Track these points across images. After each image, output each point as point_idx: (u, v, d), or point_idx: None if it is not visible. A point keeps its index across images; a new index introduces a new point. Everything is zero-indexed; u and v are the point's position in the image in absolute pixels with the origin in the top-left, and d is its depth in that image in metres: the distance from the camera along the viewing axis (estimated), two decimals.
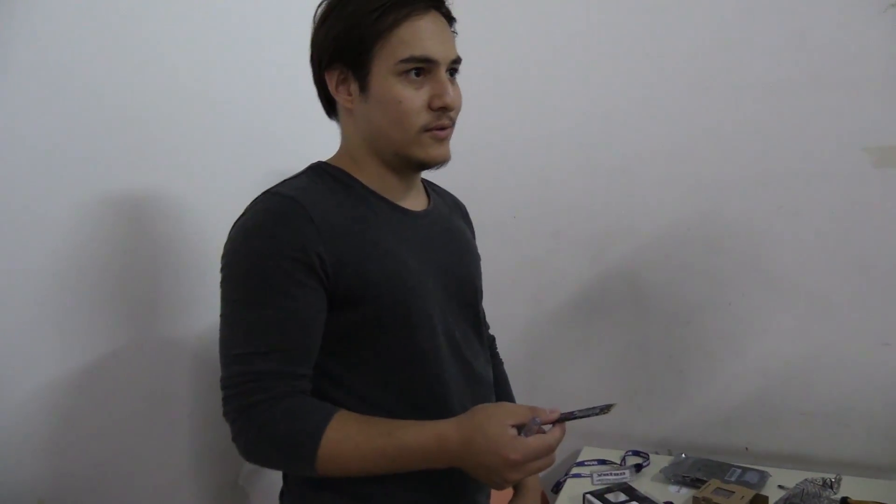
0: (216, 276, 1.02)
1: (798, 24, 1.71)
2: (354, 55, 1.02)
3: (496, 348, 1.41)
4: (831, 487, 1.59)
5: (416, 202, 1.14)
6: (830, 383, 1.78)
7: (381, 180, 1.09)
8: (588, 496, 1.64)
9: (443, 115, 1.04)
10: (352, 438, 0.94)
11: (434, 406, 1.05)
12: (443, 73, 1.03)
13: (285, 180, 1.07)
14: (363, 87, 1.04)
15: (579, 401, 1.60)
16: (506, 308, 1.89)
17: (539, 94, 1.96)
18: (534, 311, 2.03)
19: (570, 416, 0.95)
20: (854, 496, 1.56)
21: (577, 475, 1.82)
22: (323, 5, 1.07)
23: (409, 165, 1.08)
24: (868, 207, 1.70)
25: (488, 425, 0.92)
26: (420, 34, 1.01)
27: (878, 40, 1.65)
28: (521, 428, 0.93)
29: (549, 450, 0.92)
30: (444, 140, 1.06)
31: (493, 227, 1.95)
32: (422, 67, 1.02)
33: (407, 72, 1.01)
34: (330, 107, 1.13)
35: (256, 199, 1.03)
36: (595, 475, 1.79)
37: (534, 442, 0.91)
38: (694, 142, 1.82)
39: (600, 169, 1.92)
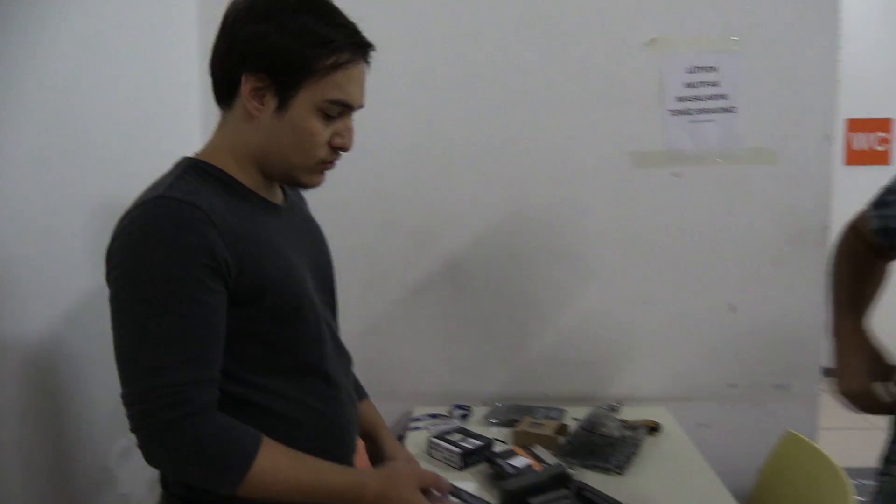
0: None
1: (579, 52, 2.16)
2: (285, 75, 1.05)
3: None
4: (614, 410, 2.06)
5: (277, 197, 1.21)
6: (605, 335, 2.27)
7: (256, 180, 1.14)
8: (432, 439, 1.95)
9: (337, 153, 1.13)
10: (281, 471, 1.02)
11: (320, 382, 1.17)
12: (351, 118, 1.13)
13: (169, 182, 1.04)
14: (282, 106, 1.06)
15: (409, 370, 1.91)
16: (342, 291, 2.13)
17: (375, 94, 2.22)
18: (366, 292, 2.30)
19: (457, 494, 1.25)
20: (630, 418, 2.04)
21: (416, 428, 2.12)
22: (263, 2, 1.06)
23: (288, 182, 1.17)
24: (632, 196, 2.21)
25: (403, 486, 1.09)
26: (352, 82, 1.09)
27: (638, 68, 2.15)
28: (425, 491, 1.12)
29: None
30: (323, 172, 1.15)
31: (329, 216, 2.18)
32: (339, 112, 1.10)
33: (326, 112, 1.08)
34: (226, 99, 1.11)
35: (146, 202, 1.01)
36: (431, 426, 2.10)
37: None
38: (505, 146, 2.20)
39: (426, 165, 2.24)
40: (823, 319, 2.21)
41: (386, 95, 2.18)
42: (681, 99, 2.16)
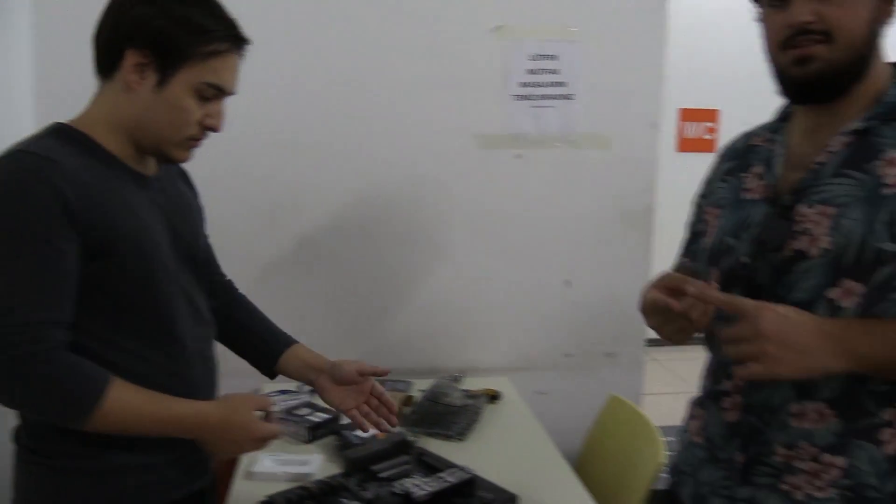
0: None
1: (428, 36, 2.22)
2: (168, 55, 1.13)
3: (236, 288, 1.60)
4: (457, 380, 2.16)
5: (148, 168, 1.26)
6: (449, 310, 2.37)
7: (125, 150, 1.19)
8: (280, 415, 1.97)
9: (206, 132, 1.22)
10: (129, 403, 1.10)
11: (170, 344, 1.22)
12: (222, 103, 1.21)
13: (30, 140, 1.12)
14: (161, 83, 1.14)
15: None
16: None
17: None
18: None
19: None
20: (472, 388, 2.15)
21: None
22: None
23: (158, 156, 1.23)
24: (476, 177, 2.30)
25: (241, 409, 1.19)
26: (228, 69, 1.18)
27: (484, 54, 2.24)
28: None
29: (275, 435, 1.22)
30: (191, 149, 1.23)
31: None
32: (214, 95, 1.18)
33: (202, 93, 1.16)
34: (107, 71, 1.17)
35: (2, 157, 1.08)
36: (280, 401, 2.12)
37: (272, 427, 1.21)
38: (353, 127, 2.23)
39: (275, 144, 2.22)
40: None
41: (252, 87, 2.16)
42: (523, 84, 2.28)
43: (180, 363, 1.24)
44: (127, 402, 1.10)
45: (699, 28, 4.69)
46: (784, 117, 1.19)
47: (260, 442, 1.21)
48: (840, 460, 1.02)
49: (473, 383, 2.21)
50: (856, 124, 1.05)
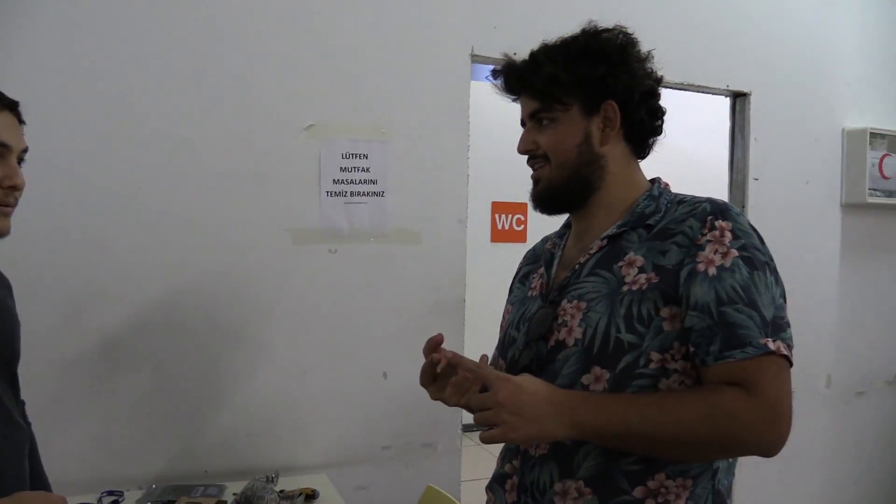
0: None
1: (244, 130, 2.24)
2: None
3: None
4: (272, 481, 2.09)
5: None
6: (266, 407, 2.32)
7: None
8: None
9: (10, 193, 1.20)
10: None
11: None
12: (14, 159, 1.21)
13: None
14: None
15: (53, 457, 1.79)
16: None
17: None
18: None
19: None
20: (289, 488, 2.09)
21: None
22: None
23: None
24: (291, 271, 2.31)
25: (35, 498, 1.13)
26: (5, 128, 1.19)
27: (299, 150, 2.29)
28: None
29: None
30: (6, 215, 1.22)
31: None
32: (1, 151, 1.18)
33: None
34: None
35: None
36: None
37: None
38: (164, 214, 2.18)
39: (76, 229, 2.10)
40: None
41: (36, 152, 2.06)
42: (336, 181, 2.34)
43: None
44: None
45: (509, 125, 5.05)
46: (569, 224, 1.34)
47: None
48: None
49: (290, 482, 2.15)
50: (610, 230, 1.21)
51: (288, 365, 2.33)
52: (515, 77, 1.26)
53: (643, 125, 1.23)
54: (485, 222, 5.44)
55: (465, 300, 2.51)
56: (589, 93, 1.20)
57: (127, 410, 2.19)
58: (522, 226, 5.54)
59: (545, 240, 1.42)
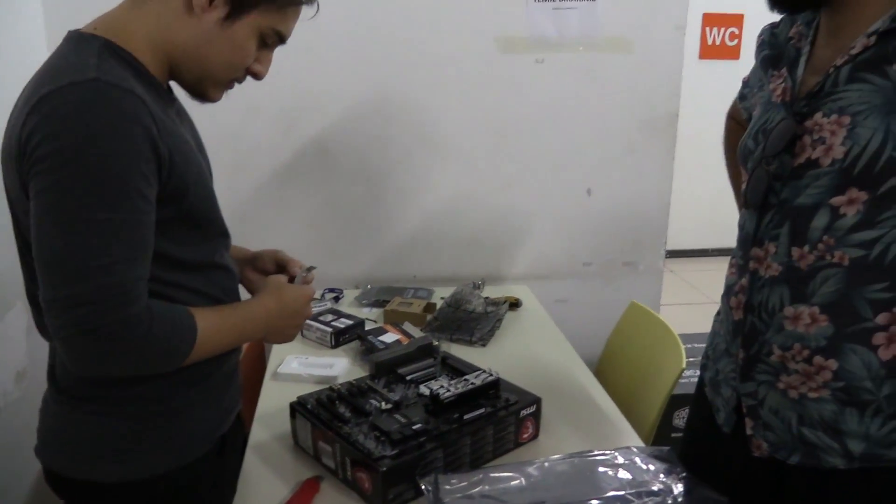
0: None
1: None
2: None
3: None
4: (478, 288, 2.17)
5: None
6: (470, 218, 2.37)
7: (162, 76, 1.09)
8: (306, 321, 2.00)
9: (247, 77, 1.15)
10: (212, 324, 1.06)
11: (221, 274, 1.18)
12: (272, 53, 1.16)
13: (94, 64, 0.95)
14: (229, 18, 1.05)
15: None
16: None
17: None
18: (232, 178, 2.25)
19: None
20: (493, 296, 2.17)
21: None
22: None
23: (192, 89, 1.13)
24: (496, 83, 2.25)
25: (283, 286, 1.21)
26: (295, 19, 1.13)
27: None
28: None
29: (313, 292, 1.25)
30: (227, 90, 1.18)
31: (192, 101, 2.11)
32: (273, 42, 1.13)
33: (265, 38, 1.11)
34: None
35: (77, 84, 0.92)
36: None
37: (308, 289, 1.24)
38: (369, 31, 2.18)
39: (290, 49, 2.17)
40: (668, 203, 2.40)
41: None
42: None
43: (230, 292, 1.21)
44: (210, 326, 1.05)
45: None
46: (809, 21, 1.14)
47: (308, 304, 1.23)
48: (831, 363, 1.01)
49: (494, 291, 2.23)
50: (881, 23, 0.97)
51: (491, 177, 2.34)
52: None
53: None
54: (694, 36, 5.00)
55: (678, 116, 2.34)
56: None
57: (340, 216, 2.33)
58: (736, 40, 5.04)
59: (785, 23, 1.18)
